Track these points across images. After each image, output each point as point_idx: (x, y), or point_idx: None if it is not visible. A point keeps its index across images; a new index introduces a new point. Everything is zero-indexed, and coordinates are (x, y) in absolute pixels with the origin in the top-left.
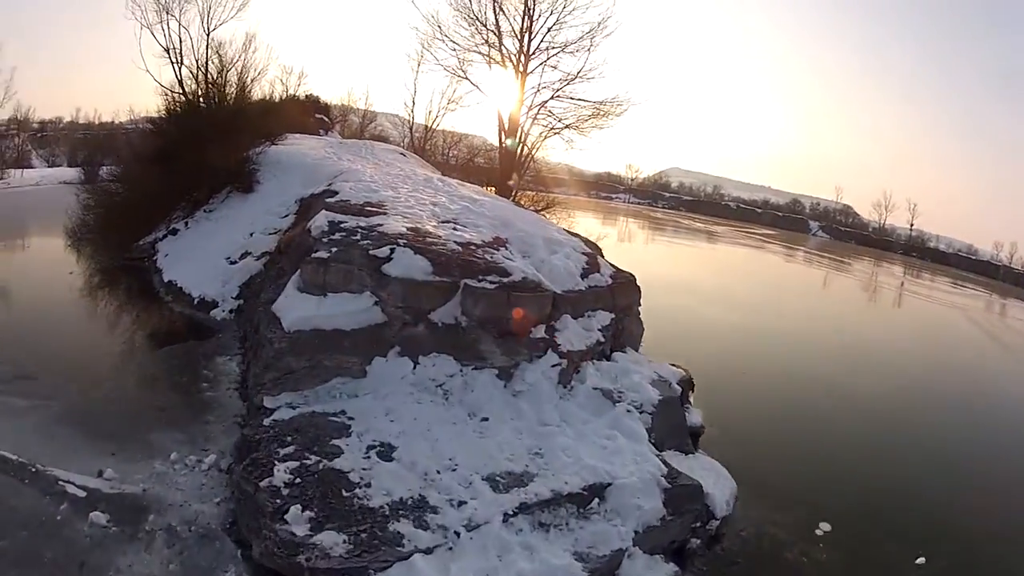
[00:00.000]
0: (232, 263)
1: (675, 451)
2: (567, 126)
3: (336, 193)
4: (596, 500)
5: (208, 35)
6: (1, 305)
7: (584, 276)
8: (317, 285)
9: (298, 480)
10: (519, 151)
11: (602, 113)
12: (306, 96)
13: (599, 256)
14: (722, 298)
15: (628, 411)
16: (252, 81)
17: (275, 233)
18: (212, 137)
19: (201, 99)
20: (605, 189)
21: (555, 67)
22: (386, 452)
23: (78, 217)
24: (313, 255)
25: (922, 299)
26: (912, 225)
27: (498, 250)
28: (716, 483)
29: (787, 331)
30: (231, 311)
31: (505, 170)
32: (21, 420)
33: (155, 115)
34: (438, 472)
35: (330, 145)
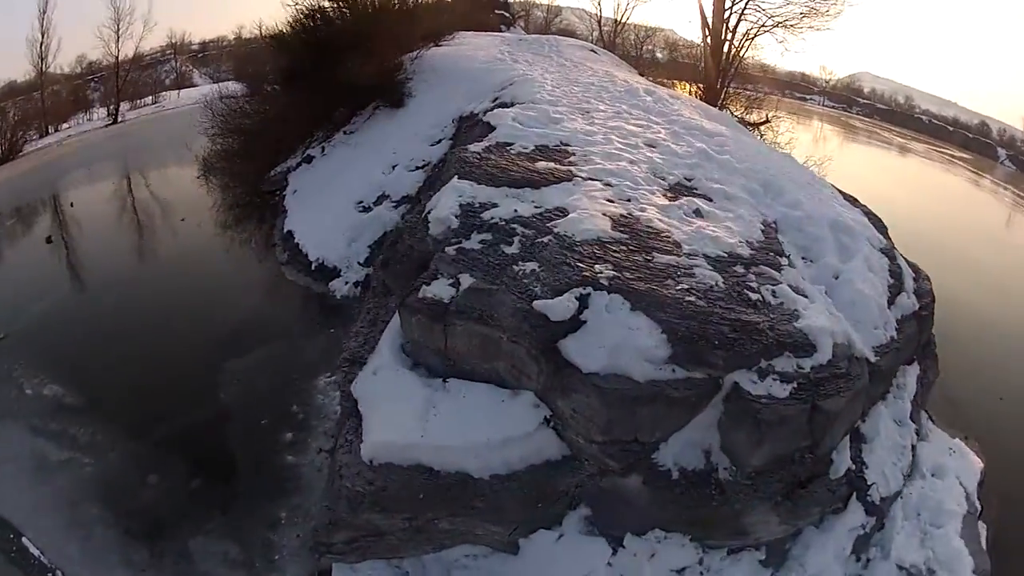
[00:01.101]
0: (364, 210)
1: None
2: (778, 24)
3: (492, 128)
4: None
5: None
6: (79, 280)
7: (891, 303)
8: (430, 350)
9: None
10: (726, 50)
11: (816, 12)
12: None
13: (895, 249)
14: (949, 258)
15: None
16: None
17: (422, 167)
18: (348, 47)
19: (335, 5)
20: (799, 90)
21: None
22: None
23: (210, 145)
24: (422, 291)
25: None
26: None
27: (779, 269)
28: None
29: None
30: (356, 284)
31: (711, 70)
32: (49, 485)
33: (280, 31)
34: None
35: (506, 42)
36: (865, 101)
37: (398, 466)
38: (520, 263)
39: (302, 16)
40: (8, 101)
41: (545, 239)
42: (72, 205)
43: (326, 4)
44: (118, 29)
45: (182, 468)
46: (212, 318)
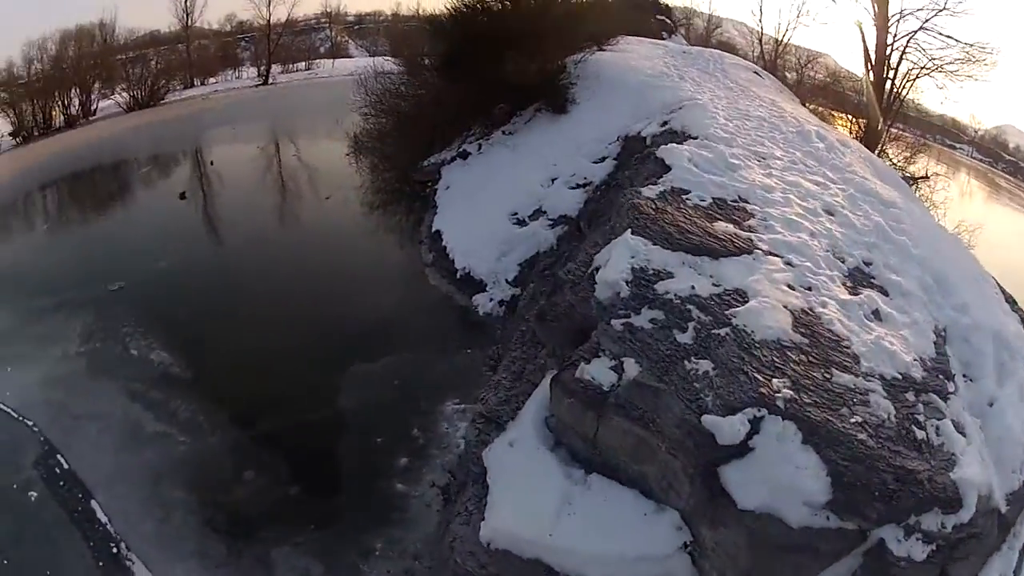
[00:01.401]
0: (518, 223)
1: None
2: (937, 68)
3: (666, 168)
4: None
5: None
6: (208, 244)
7: None
8: (577, 434)
9: None
10: (887, 88)
11: (973, 59)
12: None
13: None
14: None
15: None
16: None
17: (583, 186)
18: (510, 42)
19: None
20: (949, 136)
21: None
22: None
23: (362, 122)
24: (580, 369)
25: None
26: None
27: (947, 398)
28: None
29: None
30: (502, 303)
31: (873, 107)
32: (136, 455)
33: (438, 16)
34: None
35: (670, 54)
36: (1010, 158)
37: (516, 556)
38: (693, 360)
39: (462, 5)
40: (150, 49)
41: (722, 332)
42: (212, 163)
43: None
44: None
45: (283, 469)
46: (343, 311)
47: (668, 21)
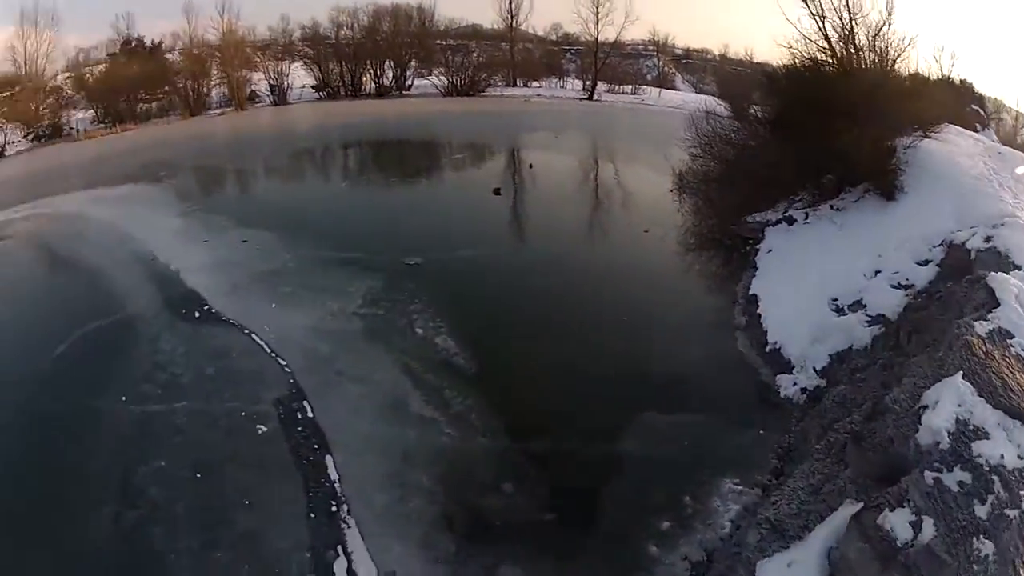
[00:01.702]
0: (836, 310)
1: None
2: None
3: (994, 300)
4: None
5: None
6: (516, 245)
7: None
8: None
9: None
10: None
11: None
12: (960, 81)
13: None
14: None
15: None
16: (897, 50)
17: (904, 288)
18: (842, 111)
19: (830, 59)
20: None
21: None
22: None
23: (688, 162)
24: (883, 517)
25: None
26: None
27: None
28: None
29: None
30: (804, 391)
31: None
32: (393, 429)
33: (774, 69)
34: None
35: (988, 153)
36: None
37: None
38: (981, 538)
39: (798, 64)
40: (472, 41)
41: (1011, 514)
42: (531, 166)
43: (820, 57)
44: (597, 12)
45: (543, 493)
46: (644, 351)
47: (981, 112)
